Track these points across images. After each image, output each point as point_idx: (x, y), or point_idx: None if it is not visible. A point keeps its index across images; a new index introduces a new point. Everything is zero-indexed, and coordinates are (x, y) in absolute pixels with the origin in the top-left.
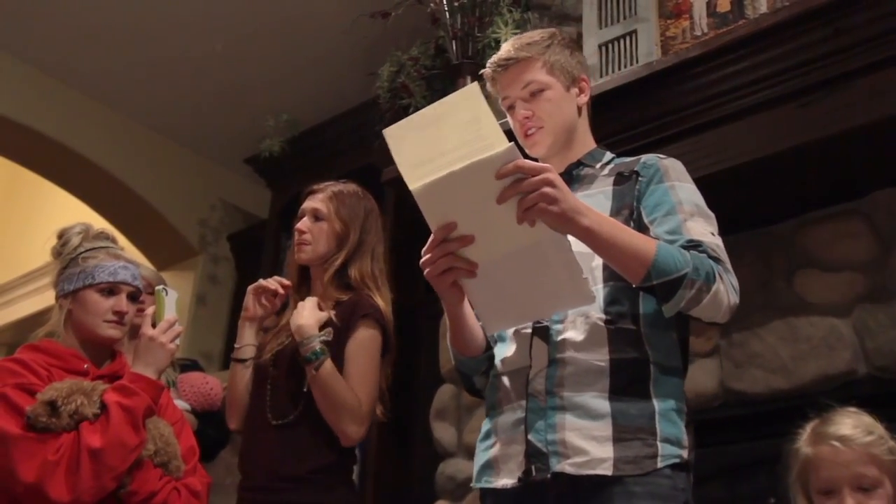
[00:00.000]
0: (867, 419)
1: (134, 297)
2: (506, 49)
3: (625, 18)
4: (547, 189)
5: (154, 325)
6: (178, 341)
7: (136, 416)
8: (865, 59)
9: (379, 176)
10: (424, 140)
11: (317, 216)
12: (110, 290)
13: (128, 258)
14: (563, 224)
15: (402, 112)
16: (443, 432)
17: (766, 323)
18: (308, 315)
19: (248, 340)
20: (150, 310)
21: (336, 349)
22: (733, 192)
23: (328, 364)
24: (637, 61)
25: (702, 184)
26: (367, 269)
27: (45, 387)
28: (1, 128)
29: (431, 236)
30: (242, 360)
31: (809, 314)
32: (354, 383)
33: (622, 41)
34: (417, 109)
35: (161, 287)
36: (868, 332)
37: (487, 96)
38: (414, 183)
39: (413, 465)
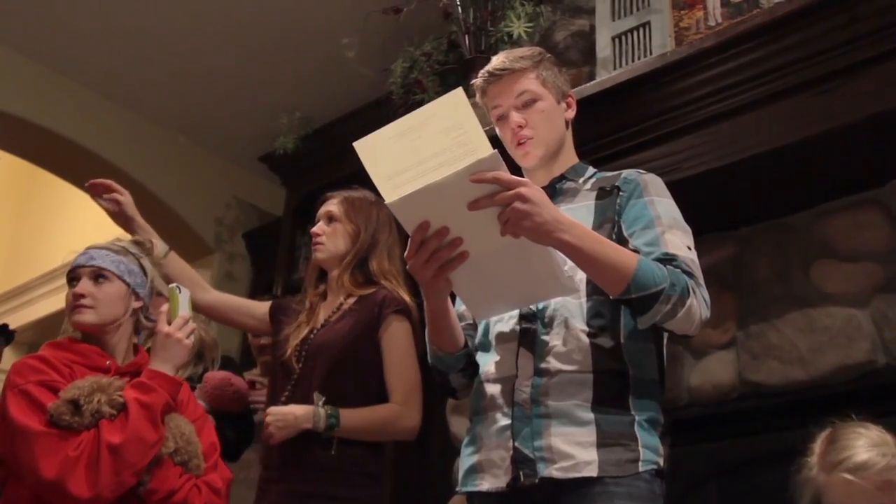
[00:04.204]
0: (879, 436)
1: (97, 275)
2: (499, 60)
3: (638, 10)
4: (518, 204)
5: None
6: (192, 337)
7: (155, 412)
8: (882, 46)
9: None
10: (400, 149)
11: (330, 218)
12: (72, 278)
13: (102, 245)
14: (538, 238)
15: (416, 107)
16: (459, 426)
17: (783, 314)
18: (291, 409)
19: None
20: (164, 307)
21: (363, 337)
22: (750, 183)
23: (345, 416)
24: (651, 53)
25: (719, 175)
26: (387, 266)
27: (67, 383)
28: (18, 129)
29: (410, 240)
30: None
31: (827, 305)
32: (396, 372)
33: (635, 33)
34: None
35: (174, 285)
36: (887, 323)
37: (474, 106)
38: (390, 195)
39: (430, 458)
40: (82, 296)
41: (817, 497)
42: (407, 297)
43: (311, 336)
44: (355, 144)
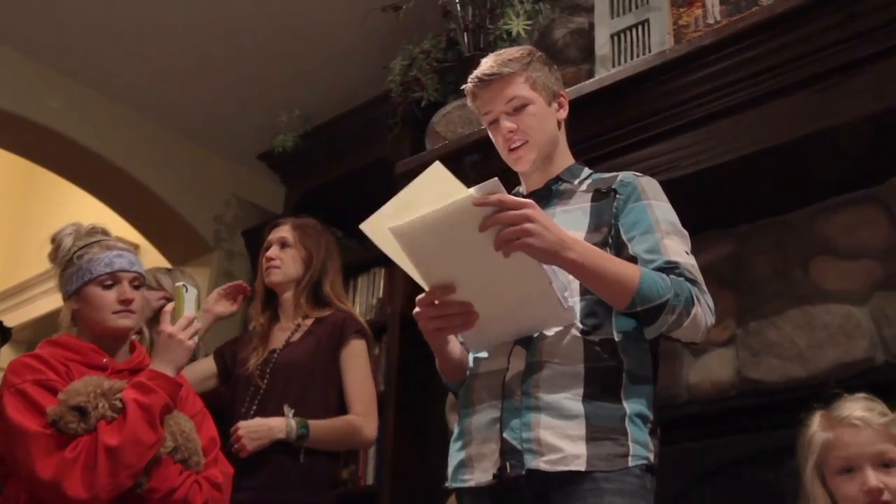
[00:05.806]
0: (877, 403)
1: (138, 282)
2: (487, 65)
3: (637, 7)
4: (528, 225)
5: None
6: (196, 338)
7: (153, 413)
8: (881, 43)
9: (392, 169)
10: (402, 219)
11: (284, 244)
12: (111, 281)
13: (122, 247)
14: (547, 258)
15: (415, 105)
16: None
17: (782, 311)
18: (265, 421)
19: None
20: (169, 306)
21: (325, 355)
22: (748, 181)
23: (313, 427)
24: (650, 50)
25: (717, 172)
26: (339, 290)
27: (63, 383)
28: (17, 127)
29: (428, 292)
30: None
31: (826, 302)
32: (356, 387)
33: (634, 30)
34: (430, 102)
35: (181, 283)
36: (886, 320)
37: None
38: (394, 223)
39: (429, 456)
40: (131, 301)
41: (824, 452)
42: (361, 318)
43: (275, 355)
44: (362, 226)
